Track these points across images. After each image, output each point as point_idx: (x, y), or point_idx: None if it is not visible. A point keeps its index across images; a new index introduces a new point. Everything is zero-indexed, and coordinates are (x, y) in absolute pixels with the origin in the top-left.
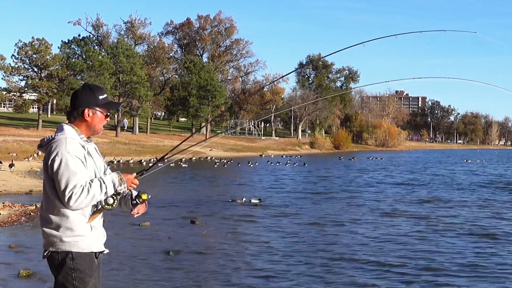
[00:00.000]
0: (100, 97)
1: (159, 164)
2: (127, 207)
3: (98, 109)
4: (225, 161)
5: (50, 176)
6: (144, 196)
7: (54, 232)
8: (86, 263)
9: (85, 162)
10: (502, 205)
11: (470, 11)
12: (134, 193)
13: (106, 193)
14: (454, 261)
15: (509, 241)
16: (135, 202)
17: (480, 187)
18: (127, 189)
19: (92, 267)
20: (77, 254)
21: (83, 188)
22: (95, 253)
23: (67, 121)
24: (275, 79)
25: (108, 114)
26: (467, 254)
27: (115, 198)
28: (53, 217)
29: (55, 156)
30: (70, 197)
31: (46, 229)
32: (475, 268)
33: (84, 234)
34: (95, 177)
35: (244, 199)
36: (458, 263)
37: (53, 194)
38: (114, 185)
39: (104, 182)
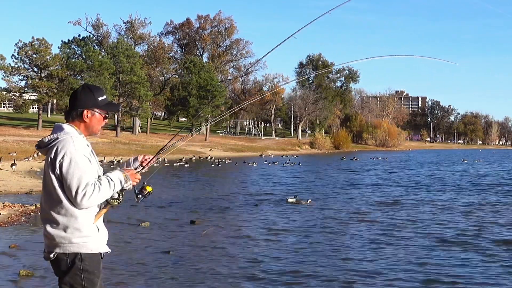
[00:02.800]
0: (100, 98)
1: (156, 164)
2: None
3: (97, 110)
4: (221, 160)
5: (58, 176)
6: (149, 188)
7: (62, 233)
8: (95, 264)
9: (91, 160)
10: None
11: (471, 11)
12: (138, 186)
13: (113, 190)
14: (399, 267)
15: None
16: (140, 196)
17: (463, 188)
18: (132, 185)
19: (99, 268)
20: (86, 255)
21: (94, 186)
22: (101, 253)
23: (65, 121)
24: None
25: (107, 115)
26: (417, 261)
27: (120, 194)
28: (60, 218)
29: (63, 155)
30: (83, 196)
31: (52, 231)
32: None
33: (92, 234)
34: (98, 175)
35: (305, 201)
36: (405, 269)
37: (61, 195)
38: (121, 183)
39: (111, 180)
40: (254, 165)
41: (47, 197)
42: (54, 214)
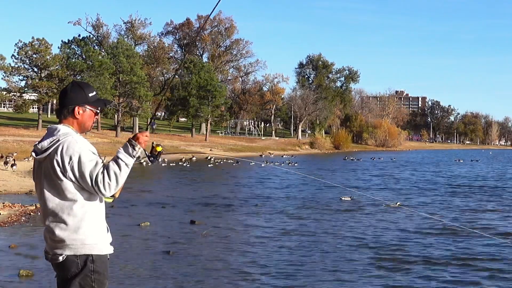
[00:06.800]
0: (90, 94)
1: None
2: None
3: (88, 106)
4: (213, 160)
5: (70, 178)
6: (159, 148)
7: (73, 235)
8: (105, 265)
9: (95, 153)
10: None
11: (470, 11)
12: (148, 148)
13: (126, 164)
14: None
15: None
16: (152, 159)
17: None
18: (143, 148)
19: (108, 269)
20: (97, 256)
21: (103, 174)
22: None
23: (57, 120)
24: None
25: (97, 111)
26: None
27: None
28: (70, 220)
29: (71, 156)
30: (103, 186)
31: (62, 233)
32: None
33: (102, 235)
34: None
35: (393, 203)
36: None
37: (73, 196)
38: (130, 155)
39: (118, 158)
40: (263, 165)
41: (54, 199)
42: (64, 216)
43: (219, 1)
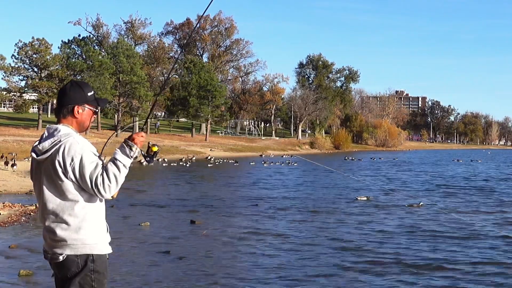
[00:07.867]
0: (89, 93)
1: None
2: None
3: (87, 106)
4: (218, 161)
5: (71, 179)
6: (155, 148)
7: (74, 235)
8: (104, 264)
9: (96, 154)
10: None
11: (470, 11)
12: (144, 148)
13: (124, 165)
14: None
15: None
16: (148, 159)
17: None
18: (140, 148)
19: (107, 269)
20: (97, 256)
21: (103, 176)
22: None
23: (56, 119)
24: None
25: (96, 110)
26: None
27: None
28: (72, 220)
29: (73, 157)
30: (103, 188)
31: (63, 233)
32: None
33: (103, 235)
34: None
35: (417, 204)
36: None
37: (75, 196)
38: (127, 155)
39: (116, 159)
40: (252, 164)
41: (55, 200)
42: (65, 216)
43: (211, 2)
